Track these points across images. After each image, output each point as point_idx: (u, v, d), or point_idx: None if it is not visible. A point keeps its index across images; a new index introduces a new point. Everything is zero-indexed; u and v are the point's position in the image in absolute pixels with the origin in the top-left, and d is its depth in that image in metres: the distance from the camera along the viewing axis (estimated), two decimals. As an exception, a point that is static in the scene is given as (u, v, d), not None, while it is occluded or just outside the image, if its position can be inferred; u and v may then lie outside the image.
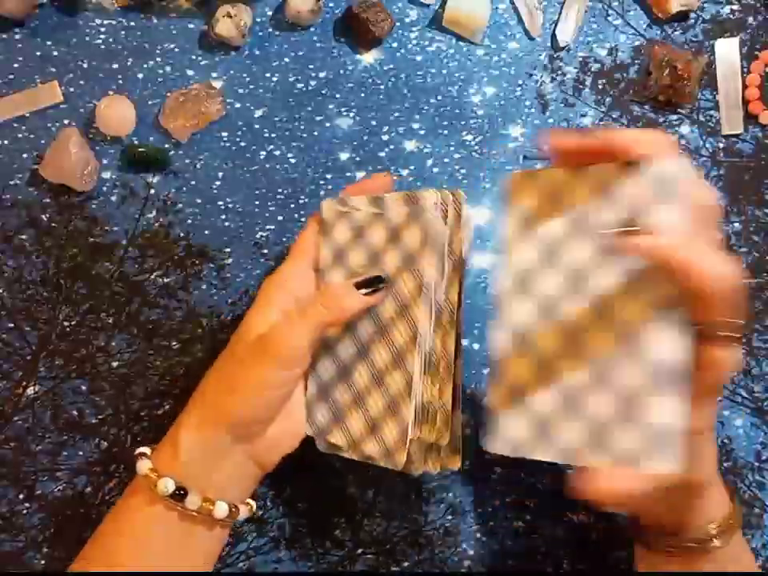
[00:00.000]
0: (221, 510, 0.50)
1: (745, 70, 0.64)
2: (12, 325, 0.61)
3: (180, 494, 0.49)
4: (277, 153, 0.62)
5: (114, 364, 0.62)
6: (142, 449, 0.52)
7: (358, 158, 0.63)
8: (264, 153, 0.62)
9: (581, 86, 0.63)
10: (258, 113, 0.62)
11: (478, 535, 0.63)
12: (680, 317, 0.42)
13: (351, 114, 0.63)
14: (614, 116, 0.63)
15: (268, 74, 0.62)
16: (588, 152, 0.45)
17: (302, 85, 0.62)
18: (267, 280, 0.53)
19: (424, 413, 0.51)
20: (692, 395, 0.43)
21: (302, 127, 0.62)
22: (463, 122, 0.63)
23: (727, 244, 0.64)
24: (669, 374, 0.41)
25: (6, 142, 0.61)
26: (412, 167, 0.63)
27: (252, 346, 0.50)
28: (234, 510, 0.51)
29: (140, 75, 0.62)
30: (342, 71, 0.63)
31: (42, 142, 0.61)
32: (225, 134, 0.62)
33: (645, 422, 0.41)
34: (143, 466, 0.50)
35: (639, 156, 0.43)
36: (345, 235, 0.53)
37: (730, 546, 0.50)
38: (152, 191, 0.62)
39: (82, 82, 0.61)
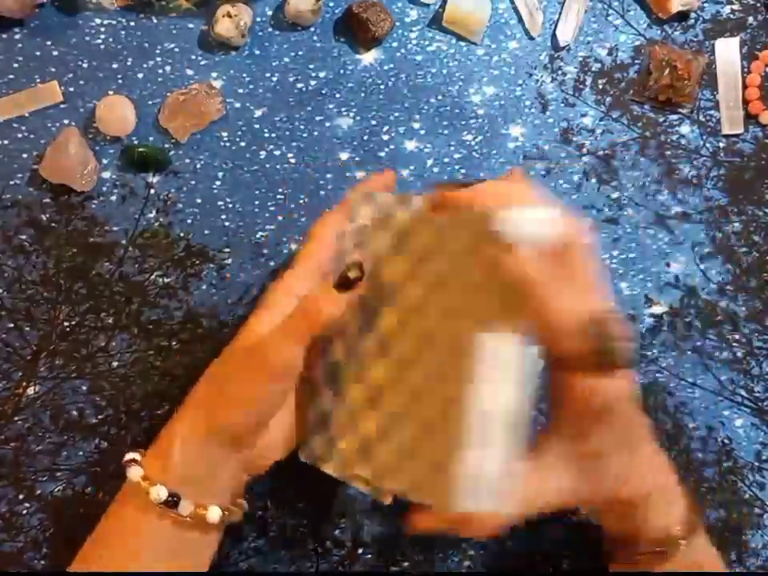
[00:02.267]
0: (214, 514, 0.50)
1: (745, 70, 0.63)
2: (12, 325, 0.61)
3: (173, 501, 0.49)
4: (277, 153, 0.62)
5: (114, 364, 0.62)
6: (132, 454, 0.51)
7: (357, 158, 0.63)
8: (264, 153, 0.62)
9: (581, 86, 0.63)
10: (258, 113, 0.62)
11: (478, 535, 0.63)
12: (514, 359, 0.44)
13: (351, 114, 0.63)
14: (614, 116, 0.63)
15: (268, 74, 0.62)
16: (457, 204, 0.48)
17: (302, 85, 0.62)
18: (272, 285, 0.53)
19: None
20: (576, 425, 0.46)
21: (302, 127, 0.62)
22: (463, 122, 0.63)
23: (727, 244, 0.64)
24: (494, 423, 0.44)
25: (5, 141, 0.61)
26: (412, 167, 0.63)
27: (243, 358, 0.50)
28: (226, 513, 0.51)
29: (140, 75, 0.62)
30: (341, 71, 0.63)
31: (42, 141, 0.61)
32: (225, 133, 0.62)
33: (459, 472, 0.44)
34: (135, 474, 0.50)
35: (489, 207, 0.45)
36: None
37: (693, 550, 0.50)
38: (152, 191, 0.62)
39: (81, 82, 0.61)
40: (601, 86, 0.63)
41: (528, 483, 0.48)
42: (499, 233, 0.43)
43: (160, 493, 0.49)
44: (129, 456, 0.51)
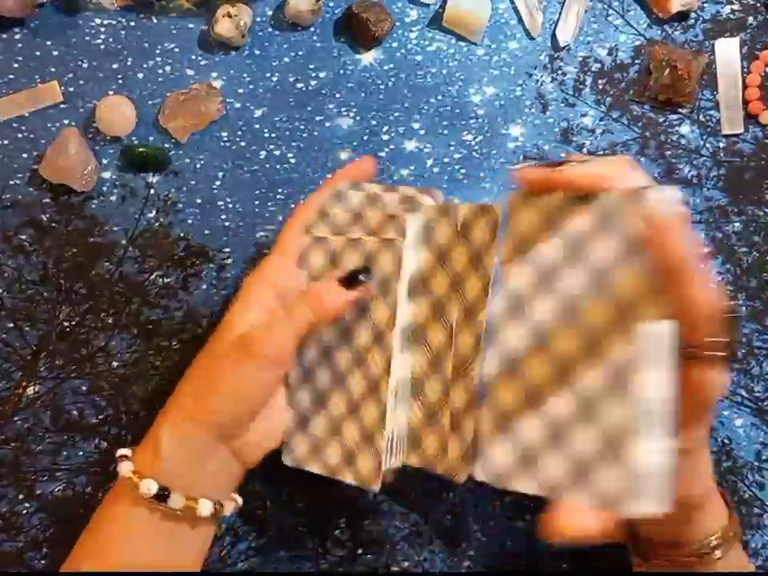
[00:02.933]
0: (205, 507, 0.50)
1: (745, 70, 0.63)
2: (12, 325, 0.61)
3: (163, 495, 0.49)
4: (277, 153, 0.62)
5: (114, 364, 0.62)
6: (123, 450, 0.51)
7: (357, 158, 0.63)
8: (264, 153, 0.62)
9: (581, 86, 0.63)
10: (258, 113, 0.62)
11: (478, 535, 0.63)
12: (669, 346, 0.41)
13: (351, 114, 0.63)
14: (614, 116, 0.63)
15: (268, 74, 0.62)
16: (555, 186, 0.44)
17: (302, 85, 0.62)
18: (250, 275, 0.53)
19: (405, 440, 0.51)
20: (681, 417, 0.42)
21: (302, 127, 0.62)
22: (463, 122, 0.63)
23: (727, 244, 0.64)
24: (657, 412, 0.41)
25: (5, 141, 0.61)
26: (412, 167, 0.63)
27: (234, 344, 0.50)
28: (218, 507, 0.51)
29: (140, 75, 0.62)
30: (341, 71, 0.63)
31: (42, 141, 0.61)
32: (225, 133, 0.62)
33: (630, 463, 0.40)
34: (125, 468, 0.50)
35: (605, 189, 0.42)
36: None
37: (729, 559, 0.50)
38: (152, 191, 0.62)
39: (81, 82, 0.61)
40: (601, 86, 0.63)
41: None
42: (652, 213, 0.40)
43: (150, 487, 0.49)
44: (120, 452, 0.51)
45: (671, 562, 0.50)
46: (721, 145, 0.64)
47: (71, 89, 0.61)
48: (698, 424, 0.46)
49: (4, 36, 0.61)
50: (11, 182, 0.61)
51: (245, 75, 0.62)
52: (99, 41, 0.62)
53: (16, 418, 0.61)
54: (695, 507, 0.49)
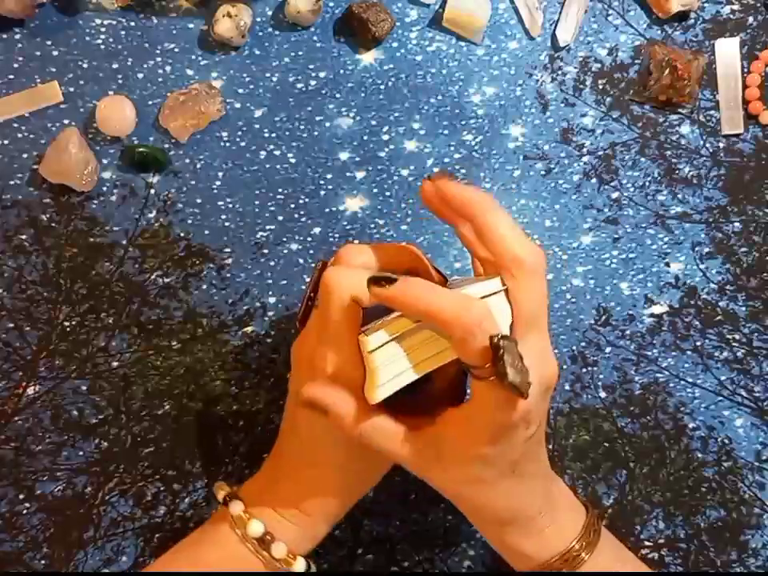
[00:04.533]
0: (300, 564, 0.52)
1: (745, 70, 0.63)
2: (12, 325, 0.61)
3: (269, 540, 0.51)
4: (277, 153, 0.62)
5: (114, 364, 0.62)
6: (226, 487, 0.54)
7: (357, 158, 0.63)
8: (264, 153, 0.62)
9: (581, 86, 0.63)
10: (258, 113, 0.62)
11: (478, 535, 0.63)
12: None
13: (351, 114, 0.63)
14: (614, 116, 0.63)
15: (268, 74, 0.62)
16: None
17: (302, 85, 0.62)
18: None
19: None
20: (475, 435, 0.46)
21: (302, 127, 0.62)
22: (463, 122, 0.63)
23: (727, 244, 0.64)
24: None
25: (6, 142, 0.61)
26: (412, 167, 0.63)
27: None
28: (308, 566, 0.53)
29: (140, 75, 0.62)
30: (341, 71, 0.63)
31: (42, 142, 0.61)
32: (225, 134, 0.62)
33: None
34: (236, 508, 0.52)
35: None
36: None
37: (599, 553, 0.51)
38: (152, 191, 0.62)
39: (82, 82, 0.61)
40: (601, 86, 0.63)
41: (412, 437, 0.48)
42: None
43: (256, 528, 0.51)
44: (227, 492, 0.53)
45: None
46: (721, 145, 0.64)
47: (71, 89, 0.61)
48: (475, 437, 0.46)
49: (4, 36, 0.61)
50: (11, 182, 0.61)
51: (245, 75, 0.62)
52: (99, 41, 0.62)
53: (16, 418, 0.61)
54: (520, 525, 0.50)
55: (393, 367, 0.46)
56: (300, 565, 0.52)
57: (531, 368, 0.44)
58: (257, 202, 0.62)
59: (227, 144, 0.62)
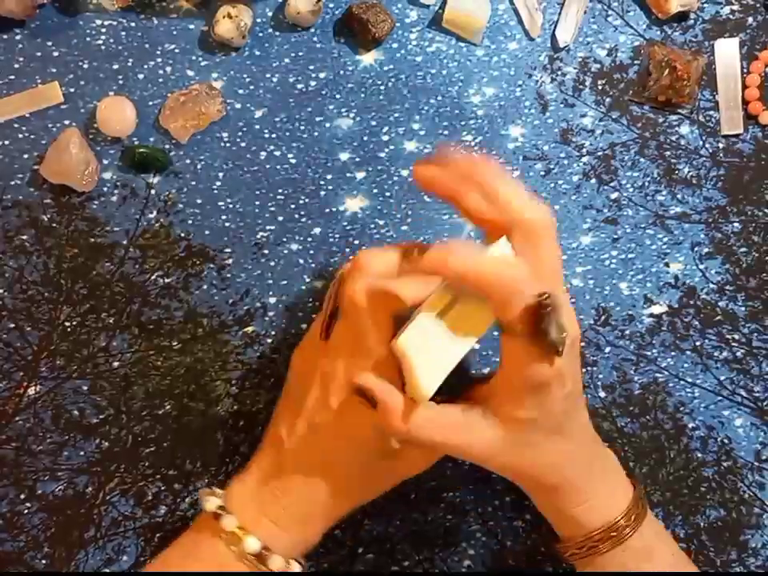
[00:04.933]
0: (296, 568, 0.52)
1: (745, 70, 0.64)
2: (13, 325, 0.61)
3: (264, 554, 0.50)
4: (277, 153, 0.62)
5: (115, 364, 0.62)
6: (214, 499, 0.52)
7: (357, 158, 0.63)
8: (264, 153, 0.62)
9: (581, 87, 0.63)
10: (258, 113, 0.62)
11: (478, 535, 0.63)
12: None
13: (351, 115, 0.63)
14: (613, 116, 0.63)
15: (268, 75, 0.62)
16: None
17: (302, 85, 0.63)
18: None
19: None
20: (507, 385, 0.48)
21: (302, 127, 0.63)
22: (463, 123, 0.63)
23: (727, 244, 0.64)
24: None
25: (6, 142, 0.61)
26: (412, 167, 0.63)
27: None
28: (303, 565, 0.53)
29: (140, 76, 0.62)
30: (341, 72, 0.63)
31: (43, 142, 0.61)
32: (225, 134, 0.62)
33: None
34: (230, 524, 0.50)
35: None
36: None
37: (642, 535, 0.52)
38: (152, 191, 0.62)
39: (82, 83, 0.62)
40: (600, 87, 0.64)
41: (461, 419, 0.49)
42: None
43: (253, 545, 0.50)
44: (213, 501, 0.52)
45: (572, 552, 0.53)
46: (720, 145, 0.64)
47: (72, 89, 0.62)
48: (531, 402, 0.48)
49: (5, 37, 0.61)
50: (12, 183, 0.61)
51: (245, 76, 0.62)
52: (100, 41, 0.62)
53: (17, 418, 0.61)
54: (567, 495, 0.52)
55: (432, 359, 0.46)
56: (295, 567, 0.52)
57: (567, 322, 0.46)
58: (257, 203, 0.62)
59: (227, 144, 0.62)
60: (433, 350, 0.46)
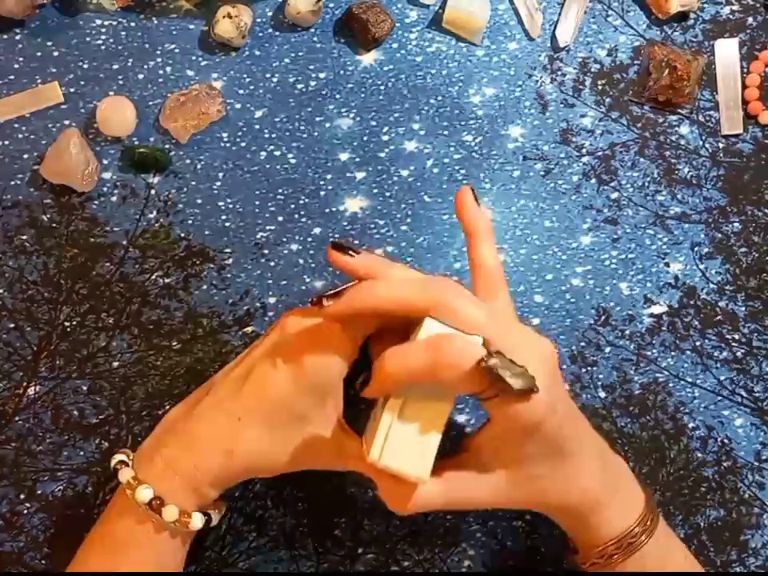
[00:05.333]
0: (197, 521, 0.52)
1: (744, 70, 0.64)
2: (12, 325, 0.61)
3: (157, 504, 0.51)
4: (277, 153, 0.62)
5: (115, 364, 0.62)
6: (121, 456, 0.54)
7: (357, 158, 0.63)
8: (264, 153, 0.62)
9: (580, 87, 0.64)
10: (258, 113, 0.62)
11: (478, 535, 0.63)
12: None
13: (351, 115, 0.63)
14: (613, 116, 0.63)
15: (268, 75, 0.62)
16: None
17: (302, 85, 0.63)
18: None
19: None
20: (499, 435, 0.48)
21: (302, 127, 0.63)
22: (463, 123, 0.63)
23: (727, 244, 0.64)
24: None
25: (6, 142, 0.61)
26: (412, 167, 0.63)
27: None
28: (208, 518, 0.53)
29: (140, 76, 0.62)
30: (341, 72, 0.63)
31: (43, 142, 0.61)
32: (225, 134, 0.62)
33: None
34: (126, 475, 0.52)
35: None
36: None
37: (658, 540, 0.52)
38: (152, 192, 0.62)
39: (82, 83, 0.62)
40: (600, 87, 0.64)
41: (459, 477, 0.49)
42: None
43: (145, 494, 0.51)
44: (118, 458, 0.54)
45: (593, 563, 0.53)
46: (720, 145, 0.64)
47: (72, 89, 0.62)
48: (524, 441, 0.48)
49: (5, 37, 0.61)
50: (12, 183, 0.61)
51: (245, 76, 0.62)
52: (100, 41, 0.62)
53: (17, 418, 0.61)
54: (583, 513, 0.51)
55: (413, 453, 0.46)
56: (196, 521, 0.52)
57: (525, 355, 0.45)
58: (257, 203, 0.62)
59: (227, 144, 0.62)
60: (409, 447, 0.46)
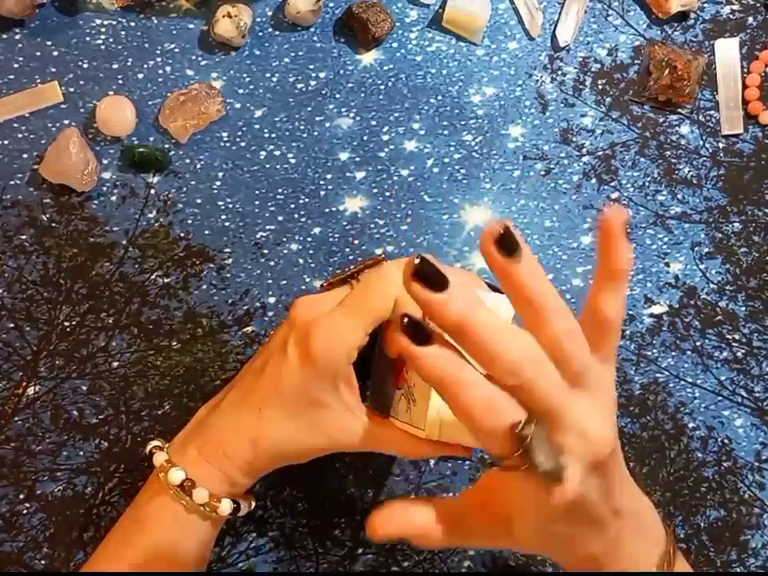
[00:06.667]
0: (226, 506, 0.53)
1: (745, 70, 0.64)
2: (12, 325, 0.61)
3: (189, 486, 0.52)
4: (277, 153, 0.62)
5: (114, 364, 0.62)
6: (155, 442, 0.56)
7: (357, 158, 0.63)
8: (264, 153, 0.62)
9: (581, 86, 0.63)
10: (258, 113, 0.62)
11: (478, 535, 0.63)
12: None
13: (351, 114, 0.63)
14: (613, 116, 0.63)
15: (268, 74, 0.62)
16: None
17: (302, 85, 0.63)
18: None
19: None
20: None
21: (302, 127, 0.63)
22: (463, 122, 0.63)
23: (727, 244, 0.64)
24: None
25: (6, 142, 0.61)
26: (412, 167, 0.63)
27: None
28: (236, 506, 0.53)
29: (140, 75, 0.62)
30: (341, 71, 0.63)
31: (43, 142, 0.61)
32: (225, 134, 0.62)
33: None
34: (160, 458, 0.53)
35: None
36: None
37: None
38: (152, 191, 0.62)
39: (82, 82, 0.62)
40: (600, 87, 0.64)
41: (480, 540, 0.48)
42: None
43: (177, 475, 0.52)
44: (154, 443, 0.56)
45: None
46: (720, 145, 0.64)
47: (71, 89, 0.61)
48: (538, 532, 0.44)
49: (4, 36, 0.61)
50: (11, 182, 0.61)
51: (245, 75, 0.62)
52: (99, 41, 0.62)
53: (16, 418, 0.61)
54: (604, 563, 0.47)
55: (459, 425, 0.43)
56: (225, 507, 0.52)
57: (572, 439, 0.40)
58: (257, 202, 0.62)
59: (227, 144, 0.62)
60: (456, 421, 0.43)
